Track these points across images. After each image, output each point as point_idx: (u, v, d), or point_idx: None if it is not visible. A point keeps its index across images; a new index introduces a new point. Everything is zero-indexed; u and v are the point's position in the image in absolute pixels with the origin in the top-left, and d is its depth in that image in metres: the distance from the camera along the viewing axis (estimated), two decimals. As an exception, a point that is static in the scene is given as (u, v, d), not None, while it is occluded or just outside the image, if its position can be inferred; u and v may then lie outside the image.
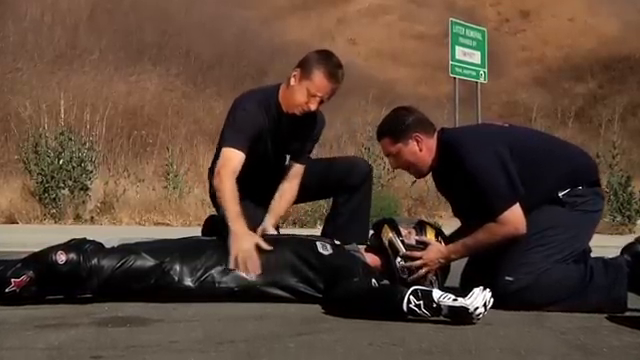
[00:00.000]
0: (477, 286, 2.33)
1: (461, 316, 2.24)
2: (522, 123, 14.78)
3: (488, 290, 2.28)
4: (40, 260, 2.48)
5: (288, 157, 3.20)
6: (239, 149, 2.93)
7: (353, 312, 2.37)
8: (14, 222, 8.54)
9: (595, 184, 2.77)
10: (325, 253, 2.74)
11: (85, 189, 8.74)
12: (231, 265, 2.65)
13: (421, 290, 2.31)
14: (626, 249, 2.75)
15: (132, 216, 8.80)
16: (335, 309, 2.44)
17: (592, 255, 2.78)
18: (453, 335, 2.09)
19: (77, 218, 8.58)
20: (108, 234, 6.28)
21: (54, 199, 8.57)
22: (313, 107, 2.99)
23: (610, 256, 2.82)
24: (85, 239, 2.65)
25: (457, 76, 11.00)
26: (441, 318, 2.26)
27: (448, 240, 2.84)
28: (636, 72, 27.16)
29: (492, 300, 2.29)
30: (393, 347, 1.92)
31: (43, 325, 2.13)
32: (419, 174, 2.98)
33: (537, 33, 33.47)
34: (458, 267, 2.91)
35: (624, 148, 11.31)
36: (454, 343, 2.00)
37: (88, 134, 9.52)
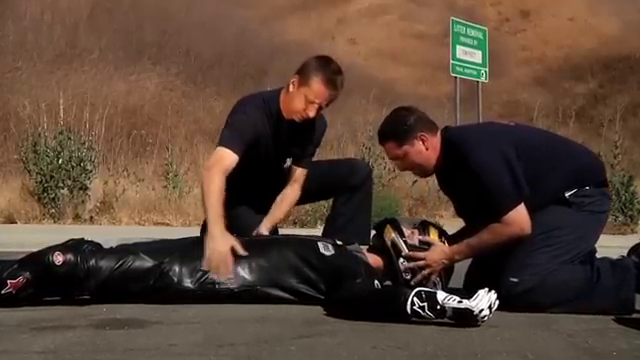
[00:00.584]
0: (481, 287, 2.29)
1: (466, 318, 2.20)
2: (523, 123, 14.74)
3: (493, 292, 2.24)
4: (37, 261, 2.43)
5: (289, 161, 3.17)
6: (233, 150, 2.89)
7: (355, 314, 2.32)
8: (13, 222, 8.50)
9: (602, 184, 2.73)
10: (327, 254, 2.70)
11: (84, 189, 8.70)
12: (204, 266, 2.59)
13: (425, 291, 2.27)
14: (633, 250, 2.71)
15: (132, 216, 8.76)
16: (337, 311, 2.40)
17: (596, 256, 2.74)
18: (458, 338, 2.05)
19: (76, 218, 8.54)
20: (107, 234, 6.24)
21: (53, 199, 8.53)
22: (311, 114, 2.96)
23: (613, 256, 2.77)
24: (83, 239, 2.61)
25: (458, 75, 10.95)
26: (445, 320, 2.21)
27: (451, 240, 2.80)
28: (636, 72, 27.12)
29: (497, 302, 2.24)
30: (397, 350, 1.88)
31: (39, 327, 2.08)
32: (425, 174, 2.93)
33: (537, 33, 33.45)
34: (462, 268, 2.87)
35: (625, 148, 11.27)
36: (459, 346, 1.95)
37: (87, 133, 9.47)
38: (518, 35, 33.85)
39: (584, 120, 20.62)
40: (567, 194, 2.62)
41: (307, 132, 3.12)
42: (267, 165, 3.13)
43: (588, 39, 30.77)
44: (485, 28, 11.98)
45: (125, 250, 2.62)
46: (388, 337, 2.04)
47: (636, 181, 8.94)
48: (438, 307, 2.21)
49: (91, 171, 8.83)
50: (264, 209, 3.17)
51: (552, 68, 30.51)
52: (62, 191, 8.58)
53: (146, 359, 1.74)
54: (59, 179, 8.55)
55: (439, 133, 2.80)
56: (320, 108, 2.98)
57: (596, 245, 2.75)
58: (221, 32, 22.35)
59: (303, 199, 3.33)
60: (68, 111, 10.16)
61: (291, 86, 2.97)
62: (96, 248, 2.58)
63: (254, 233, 3.04)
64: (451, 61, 10.91)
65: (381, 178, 9.51)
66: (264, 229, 3.08)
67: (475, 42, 11.30)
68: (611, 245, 3.77)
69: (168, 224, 8.62)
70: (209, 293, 2.57)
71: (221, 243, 2.63)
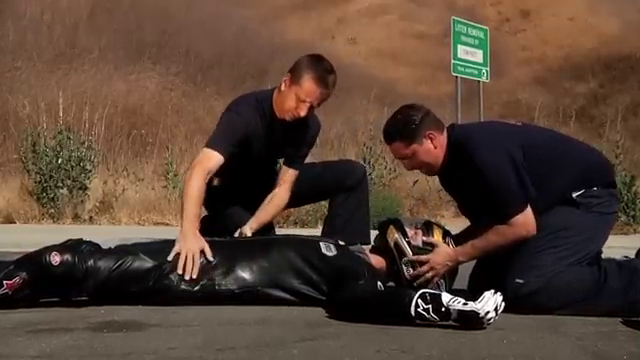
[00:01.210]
0: (486, 288, 2.25)
1: (471, 321, 2.15)
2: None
3: (499, 294, 2.19)
4: (34, 261, 2.38)
5: (281, 162, 3.15)
6: (219, 151, 2.87)
7: (358, 316, 2.28)
8: (12, 222, 8.46)
9: (610, 185, 2.68)
10: (329, 254, 2.65)
11: (84, 188, 8.65)
12: (170, 257, 2.54)
13: (429, 293, 2.22)
14: None
15: (131, 216, 8.72)
16: (340, 313, 2.35)
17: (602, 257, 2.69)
18: (464, 341, 2.00)
19: (76, 218, 8.49)
20: (107, 234, 6.20)
21: (52, 199, 8.48)
22: (302, 113, 2.93)
23: (616, 257, 2.73)
24: (81, 240, 2.57)
25: (459, 75, 10.90)
26: (450, 323, 2.17)
27: (456, 241, 2.75)
28: (637, 71, 27.09)
29: (503, 304, 2.20)
30: (402, 354, 1.83)
31: (35, 330, 2.04)
32: (431, 172, 2.87)
33: (537, 33, 33.42)
34: (466, 268, 2.82)
35: (627, 148, 11.23)
36: (465, 350, 1.91)
37: (87, 133, 9.43)
38: (518, 35, 33.82)
39: (584, 120, 20.56)
40: (574, 195, 2.58)
41: (300, 132, 3.09)
42: (259, 165, 3.12)
43: (588, 39, 30.74)
44: (486, 27, 11.93)
45: (124, 251, 2.57)
46: (392, 340, 1.99)
47: (638, 181, 8.90)
48: (443, 309, 2.16)
49: (90, 171, 8.79)
50: (253, 208, 3.14)
51: (552, 68, 30.48)
52: (61, 191, 8.53)
53: (144, 363, 1.70)
54: (58, 179, 8.51)
55: (445, 131, 2.74)
56: (312, 107, 2.94)
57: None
58: (221, 32, 22.31)
59: (299, 201, 3.32)
60: (68, 111, 10.12)
61: (283, 85, 2.95)
62: (94, 248, 2.53)
63: (237, 233, 3.00)
64: (452, 61, 10.85)
65: (382, 178, 9.47)
66: (248, 230, 3.04)
67: (476, 41, 11.25)
68: (613, 245, 3.70)
69: (168, 224, 8.57)
70: (209, 294, 2.53)
71: (192, 242, 2.59)
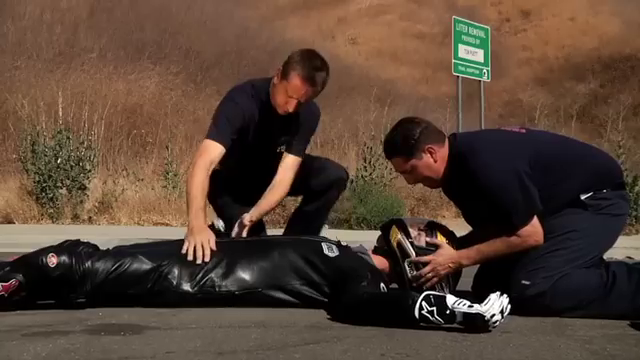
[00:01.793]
0: (490, 289, 2.20)
1: (477, 323, 2.10)
2: (524, 123, 14.67)
3: (505, 296, 2.14)
4: (30, 263, 2.34)
5: (283, 148, 3.11)
6: (220, 142, 2.87)
7: (361, 318, 2.23)
8: (10, 222, 8.42)
9: (620, 187, 2.62)
10: (331, 255, 2.61)
11: (83, 188, 8.61)
12: (183, 250, 2.54)
13: (434, 295, 2.17)
14: None
15: (131, 216, 8.68)
16: (342, 315, 2.30)
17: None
18: (470, 345, 1.95)
19: (75, 218, 8.45)
20: (106, 234, 6.16)
21: (51, 199, 8.44)
22: (290, 109, 2.90)
23: (618, 257, 2.68)
24: (79, 241, 2.53)
25: (460, 74, 10.85)
26: (455, 325, 2.12)
27: (460, 244, 2.69)
28: (638, 72, 27.06)
29: (509, 306, 2.15)
30: (407, 358, 1.79)
31: (31, 333, 1.99)
32: (434, 185, 2.81)
33: (538, 33, 33.38)
34: (470, 268, 2.76)
35: (629, 148, 11.20)
36: (472, 354, 1.86)
37: (87, 133, 9.39)
38: (519, 35, 33.78)
39: (585, 120, 20.52)
40: (583, 197, 2.52)
41: (297, 120, 3.05)
42: (256, 154, 3.09)
43: (589, 39, 30.71)
44: (487, 27, 11.88)
45: (122, 252, 2.53)
46: (396, 344, 1.95)
47: (640, 181, 8.86)
48: (448, 312, 2.12)
49: (90, 171, 8.75)
50: (251, 198, 3.11)
51: (553, 68, 30.45)
52: (60, 191, 8.50)
53: (142, 368, 1.66)
54: (57, 179, 8.47)
55: (446, 142, 2.68)
56: (299, 103, 2.90)
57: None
58: (221, 31, 22.28)
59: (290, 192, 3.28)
60: (67, 110, 10.09)
61: (275, 78, 2.93)
62: (92, 250, 2.50)
63: (236, 224, 2.97)
64: (453, 60, 10.80)
65: (383, 178, 9.43)
66: (247, 219, 3.00)
67: (477, 41, 11.20)
68: (616, 246, 3.65)
69: (168, 224, 8.54)
70: (209, 296, 2.48)
71: (201, 234, 2.59)
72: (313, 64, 2.89)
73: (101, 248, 2.56)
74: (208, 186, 2.81)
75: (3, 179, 9.78)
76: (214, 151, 2.86)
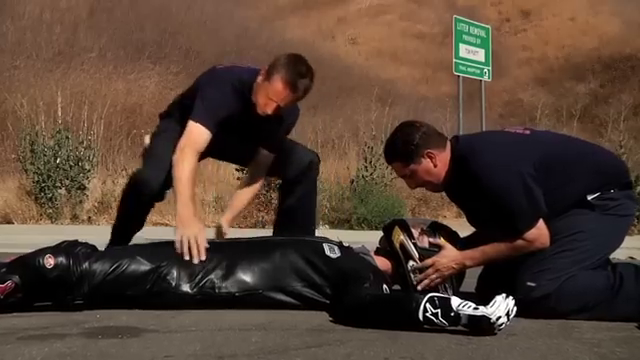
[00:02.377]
0: (495, 291, 2.16)
1: (482, 326, 2.06)
2: (524, 123, 14.64)
3: (511, 298, 2.10)
4: (26, 264, 2.30)
5: (260, 149, 3.08)
6: (208, 127, 2.83)
7: (364, 321, 2.19)
8: (9, 222, 8.39)
9: (627, 186, 2.57)
10: (333, 256, 2.57)
11: (82, 188, 8.58)
12: (177, 248, 2.51)
13: (438, 297, 2.13)
14: None
15: (206, 233, 8.63)
16: (344, 318, 2.26)
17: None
18: (476, 348, 1.91)
19: (74, 218, 8.42)
20: (106, 234, 6.10)
21: (50, 199, 8.41)
22: (269, 111, 2.85)
23: (620, 258, 2.63)
24: (77, 241, 2.48)
25: (461, 74, 10.80)
26: (459, 328, 2.08)
27: (463, 245, 2.64)
28: (638, 71, 27.06)
29: (515, 309, 2.11)
30: (412, 362, 1.75)
31: (27, 336, 1.94)
32: (435, 189, 2.76)
33: (538, 33, 33.38)
34: (474, 270, 2.72)
35: (630, 148, 11.17)
36: (478, 357, 1.82)
37: (86, 133, 9.35)
38: (519, 35, 33.78)
39: (585, 120, 20.50)
40: (590, 197, 2.47)
41: (277, 120, 3.00)
42: (233, 146, 3.08)
43: (589, 39, 30.70)
44: (488, 26, 11.83)
45: (120, 253, 2.49)
46: (400, 347, 1.90)
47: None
48: (452, 314, 2.07)
49: (89, 170, 8.72)
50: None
51: (553, 68, 30.44)
52: (60, 191, 8.46)
53: (140, 372, 1.61)
54: (57, 179, 8.44)
55: (448, 145, 2.63)
56: (278, 107, 2.86)
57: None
58: (221, 31, 22.26)
59: (237, 160, 3.40)
60: (66, 110, 10.05)
61: (260, 77, 2.88)
62: (90, 251, 2.45)
63: (215, 232, 2.94)
64: (454, 60, 10.75)
65: (383, 178, 9.39)
66: (225, 222, 2.97)
67: (478, 40, 11.15)
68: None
69: (167, 224, 8.49)
70: (209, 298, 2.44)
71: (193, 226, 2.55)
72: (298, 70, 2.83)
73: (100, 249, 2.52)
74: (196, 172, 2.78)
75: (2, 179, 9.74)
76: (202, 137, 2.82)
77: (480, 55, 11.19)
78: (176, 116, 3.10)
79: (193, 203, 2.71)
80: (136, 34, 19.51)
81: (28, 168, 8.61)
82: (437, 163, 2.59)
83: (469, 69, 10.97)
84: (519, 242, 2.45)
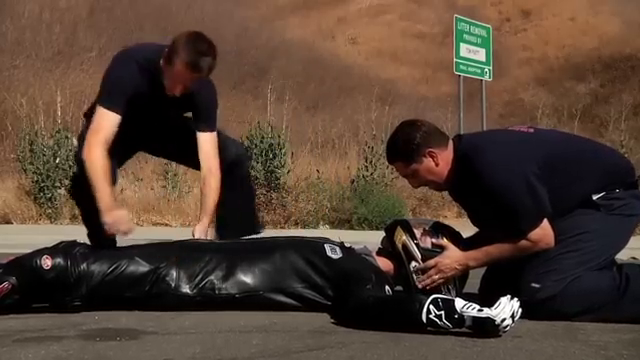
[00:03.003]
0: (498, 292, 2.12)
1: (486, 328, 2.02)
2: (524, 122, 14.61)
3: (516, 299, 2.06)
4: (23, 265, 2.27)
5: (198, 134, 2.97)
6: (116, 111, 2.76)
7: (366, 323, 2.15)
8: (8, 222, 8.36)
9: (632, 186, 2.52)
10: (334, 257, 2.53)
11: (82, 188, 8.53)
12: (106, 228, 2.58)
13: (442, 299, 2.09)
14: None
15: (130, 216, 8.60)
16: (346, 319, 2.23)
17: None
18: (480, 351, 1.87)
19: (73, 218, 8.38)
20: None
21: (50, 199, 8.38)
22: (176, 92, 2.79)
23: (623, 258, 2.60)
24: (75, 242, 2.45)
25: (462, 74, 10.78)
26: (464, 330, 2.04)
27: (466, 246, 2.61)
28: (638, 71, 27.05)
29: (520, 310, 2.07)
30: (416, 365, 1.71)
31: (23, 339, 1.91)
32: (438, 188, 2.72)
33: (538, 32, 33.37)
34: (477, 270, 2.68)
35: (631, 148, 11.15)
36: (483, 360, 1.78)
37: (85, 132, 9.32)
38: (519, 35, 33.77)
39: (586, 120, 20.49)
40: (595, 197, 2.43)
41: (189, 98, 2.92)
42: (146, 127, 2.99)
43: (589, 39, 30.69)
44: (489, 26, 11.81)
45: (119, 254, 2.46)
46: (404, 350, 1.87)
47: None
48: (456, 316, 2.04)
49: (88, 170, 8.68)
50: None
51: (553, 68, 30.43)
52: (59, 191, 8.44)
53: (138, 376, 1.58)
54: (56, 178, 8.41)
55: (450, 144, 2.59)
56: (186, 87, 2.79)
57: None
58: (222, 31, 22.20)
59: (163, 152, 3.31)
60: (66, 110, 10.03)
61: (162, 60, 2.79)
62: (88, 251, 2.42)
63: (192, 235, 2.87)
64: (455, 59, 10.73)
65: (384, 177, 9.36)
66: (202, 228, 2.89)
67: (479, 40, 11.13)
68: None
69: (167, 224, 8.47)
70: (208, 299, 2.41)
71: (117, 213, 2.59)
72: (198, 49, 2.73)
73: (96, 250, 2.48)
74: (109, 163, 2.72)
75: (1, 179, 9.71)
76: (109, 124, 2.75)
77: (481, 55, 11.17)
78: None
79: (112, 195, 2.69)
80: (136, 34, 19.46)
81: (27, 168, 8.58)
82: (439, 162, 2.55)
83: (470, 69, 10.94)
84: (523, 242, 2.41)
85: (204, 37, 2.81)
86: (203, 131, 2.97)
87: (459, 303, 2.06)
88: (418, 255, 2.60)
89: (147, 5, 21.75)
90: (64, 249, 2.37)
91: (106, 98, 2.80)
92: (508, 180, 2.40)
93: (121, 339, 1.94)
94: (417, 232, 2.64)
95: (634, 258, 4.49)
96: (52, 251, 2.32)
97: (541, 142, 2.55)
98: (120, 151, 2.96)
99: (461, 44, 10.81)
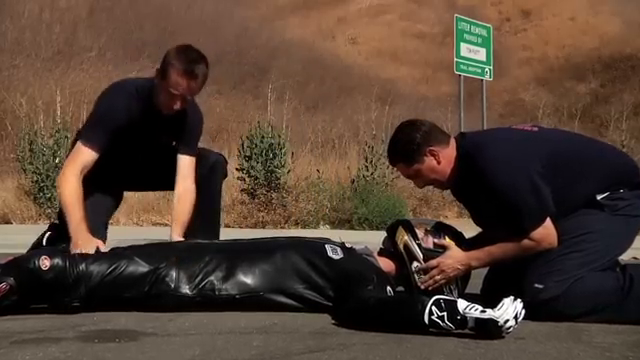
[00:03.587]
0: (501, 292, 2.10)
1: (489, 329, 2.00)
2: (524, 122, 14.58)
3: (519, 300, 2.04)
4: (22, 266, 2.24)
5: (179, 156, 3.00)
6: (92, 147, 2.78)
7: (367, 324, 2.13)
8: (8, 222, 8.34)
9: (637, 186, 2.50)
10: (335, 257, 2.51)
11: (81, 188, 8.51)
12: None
13: (444, 300, 2.07)
14: None
15: (129, 216, 8.59)
16: (347, 321, 2.20)
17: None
18: (484, 353, 1.85)
19: (73, 218, 8.36)
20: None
21: (49, 199, 8.35)
22: (176, 106, 2.79)
23: (624, 258, 2.58)
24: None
25: (462, 73, 10.75)
26: (466, 331, 2.02)
27: (469, 246, 2.58)
28: (638, 71, 27.05)
29: (524, 311, 2.05)
30: (418, 368, 1.69)
31: (20, 340, 1.88)
32: (442, 187, 2.69)
33: (538, 32, 33.40)
34: (479, 271, 2.66)
35: (632, 148, 11.14)
36: (486, 362, 1.76)
37: (85, 132, 9.30)
38: (519, 35, 33.79)
39: (586, 120, 20.48)
40: (599, 197, 2.41)
41: (182, 122, 2.95)
42: (136, 155, 3.00)
43: (589, 39, 30.71)
44: (489, 25, 11.77)
45: (118, 254, 2.43)
46: (406, 351, 1.85)
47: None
48: (459, 317, 2.01)
49: (88, 170, 8.66)
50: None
51: (553, 68, 30.44)
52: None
53: (137, 378, 1.55)
54: (55, 178, 8.37)
55: (452, 142, 2.57)
56: (185, 99, 2.80)
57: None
58: (222, 31, 22.22)
59: (153, 185, 3.32)
60: (65, 109, 10.01)
61: (156, 79, 2.82)
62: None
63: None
64: (455, 59, 10.70)
65: (384, 177, 9.34)
66: (176, 237, 2.87)
67: (479, 40, 11.10)
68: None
69: (167, 224, 8.44)
70: (208, 300, 2.38)
71: (85, 244, 2.48)
72: (190, 57, 2.78)
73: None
74: (81, 192, 2.70)
75: (0, 179, 9.69)
76: (84, 157, 2.76)
77: (481, 54, 11.14)
78: None
79: (85, 224, 2.62)
80: (136, 33, 19.47)
81: (27, 168, 8.56)
82: (441, 160, 2.53)
83: (470, 68, 10.91)
84: (526, 242, 2.39)
85: (193, 47, 2.85)
86: (186, 154, 3.00)
87: (462, 304, 2.04)
88: (420, 255, 2.58)
89: (147, 5, 21.73)
90: (62, 250, 2.35)
91: (85, 132, 2.85)
92: (511, 178, 2.38)
93: (120, 340, 1.92)
94: (419, 232, 2.62)
95: (635, 258, 4.47)
96: (50, 252, 2.30)
97: (545, 141, 2.53)
98: (112, 191, 3.07)
99: (461, 44, 10.77)
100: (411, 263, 2.59)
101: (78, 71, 15.35)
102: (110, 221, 3.35)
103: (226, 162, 3.33)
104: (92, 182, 2.84)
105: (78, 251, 2.43)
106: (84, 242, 2.50)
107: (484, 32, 11.28)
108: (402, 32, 32.96)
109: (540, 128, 2.64)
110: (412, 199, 9.78)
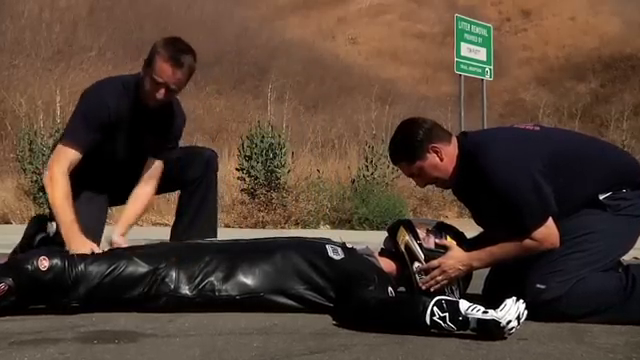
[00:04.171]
0: (502, 293, 2.09)
1: (491, 330, 1.98)
2: (525, 122, 14.57)
3: (522, 301, 2.03)
4: (20, 266, 2.22)
5: (152, 159, 2.99)
6: (76, 146, 2.75)
7: (368, 325, 2.11)
8: (7, 222, 8.32)
9: None
10: (336, 258, 2.49)
11: (81, 188, 8.51)
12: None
13: (446, 300, 2.06)
14: None
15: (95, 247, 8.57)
16: (348, 321, 2.19)
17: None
18: (486, 354, 1.83)
19: (72, 218, 8.35)
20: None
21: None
22: (160, 96, 2.74)
23: (625, 259, 2.56)
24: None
25: (463, 73, 10.73)
26: (468, 332, 2.00)
27: (470, 245, 2.57)
28: (638, 71, 27.05)
29: (526, 312, 2.03)
30: (420, 369, 1.67)
31: (18, 341, 1.87)
32: (445, 185, 2.67)
33: (538, 32, 33.39)
34: (481, 271, 2.64)
35: (632, 148, 11.12)
36: (488, 363, 1.74)
37: (85, 132, 9.29)
38: (519, 35, 33.79)
39: (586, 120, 20.47)
40: (602, 197, 2.39)
41: (165, 122, 2.93)
42: (118, 153, 2.96)
43: (589, 39, 30.70)
44: (489, 25, 11.77)
45: (117, 254, 2.42)
46: (408, 352, 1.83)
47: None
48: (461, 318, 2.00)
49: (88, 170, 8.65)
50: (113, 200, 3.12)
51: (553, 68, 30.44)
52: (58, 191, 8.40)
53: (137, 380, 1.54)
54: (55, 178, 8.37)
55: (454, 140, 2.55)
56: (170, 89, 2.75)
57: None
58: (222, 31, 22.23)
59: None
60: (65, 109, 9.98)
61: (142, 70, 2.79)
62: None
63: (106, 245, 2.80)
64: (455, 59, 10.68)
65: (384, 177, 9.32)
66: (117, 236, 2.87)
67: (480, 39, 11.09)
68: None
69: (167, 224, 8.42)
70: (208, 301, 2.37)
71: (79, 246, 2.46)
72: (177, 47, 2.75)
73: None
74: (70, 191, 2.67)
75: (0, 179, 9.68)
76: (68, 156, 2.74)
77: (482, 54, 11.13)
78: None
79: (77, 225, 2.59)
80: (136, 33, 19.45)
81: (26, 168, 8.55)
82: (443, 157, 2.52)
83: (470, 68, 10.90)
84: (527, 242, 2.38)
85: (181, 40, 2.82)
86: (155, 158, 2.98)
87: (463, 305, 2.02)
88: (421, 255, 2.57)
89: (147, 5, 21.73)
90: (61, 250, 2.33)
91: (68, 132, 2.83)
92: (513, 177, 2.36)
93: (119, 342, 1.90)
94: (420, 232, 2.60)
95: (636, 258, 4.46)
96: (49, 252, 2.28)
97: (547, 140, 2.51)
98: (101, 196, 3.04)
99: (462, 43, 10.76)
100: (412, 263, 2.58)
101: (78, 71, 15.34)
102: (110, 221, 3.34)
103: (217, 156, 3.34)
104: (80, 185, 2.81)
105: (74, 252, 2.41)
106: (77, 245, 2.48)
107: (484, 32, 11.27)
108: (402, 32, 32.95)
109: (542, 127, 2.63)
110: (412, 199, 9.76)
